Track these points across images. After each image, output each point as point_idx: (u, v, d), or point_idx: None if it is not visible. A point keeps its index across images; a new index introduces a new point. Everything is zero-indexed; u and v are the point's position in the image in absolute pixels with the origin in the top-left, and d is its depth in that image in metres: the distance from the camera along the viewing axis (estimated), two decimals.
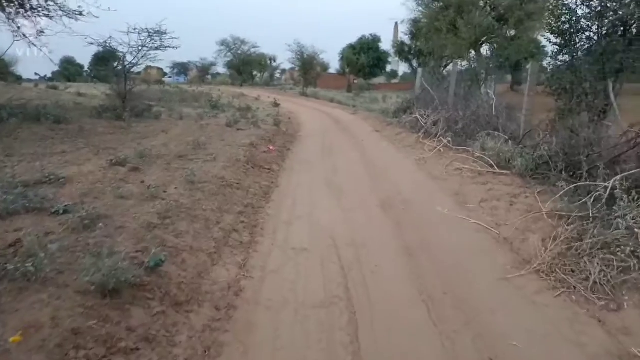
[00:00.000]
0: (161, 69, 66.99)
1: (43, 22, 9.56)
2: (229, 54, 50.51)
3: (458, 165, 7.14)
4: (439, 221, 4.93)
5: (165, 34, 11.22)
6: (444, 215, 5.11)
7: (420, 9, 27.83)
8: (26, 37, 9.48)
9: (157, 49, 11.35)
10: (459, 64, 11.67)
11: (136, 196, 4.58)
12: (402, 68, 53.73)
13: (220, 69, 56.87)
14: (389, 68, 54.81)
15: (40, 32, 9.47)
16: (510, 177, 6.15)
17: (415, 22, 34.47)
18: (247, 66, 50.44)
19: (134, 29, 10.66)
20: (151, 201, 4.49)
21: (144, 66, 12.92)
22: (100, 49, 10.40)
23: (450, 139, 8.76)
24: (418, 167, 7.54)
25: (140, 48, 11.07)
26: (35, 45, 9.74)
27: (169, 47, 11.40)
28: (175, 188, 5.05)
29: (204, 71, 57.54)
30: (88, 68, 66.14)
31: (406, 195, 5.90)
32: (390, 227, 4.79)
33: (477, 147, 7.74)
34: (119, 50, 10.84)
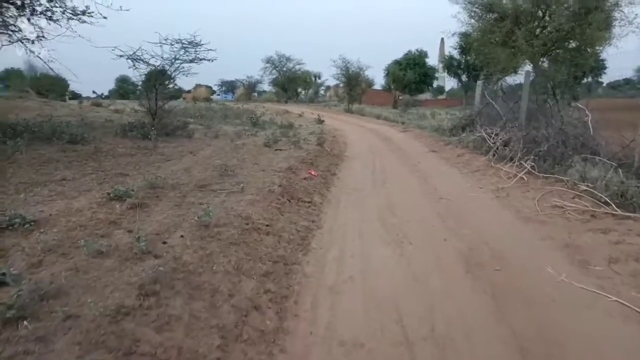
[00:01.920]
0: (210, 87, 68.23)
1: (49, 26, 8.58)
2: (274, 71, 50.18)
3: (555, 201, 5.40)
4: (557, 295, 3.24)
5: (200, 45, 10.10)
6: (562, 284, 3.42)
7: (473, 20, 25.88)
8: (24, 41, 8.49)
9: (191, 61, 10.25)
10: (530, 75, 9.84)
11: (121, 252, 3.20)
12: (450, 83, 51.53)
13: (266, 86, 56.73)
14: (435, 84, 52.72)
15: (41, 37, 8.46)
16: None
17: (465, 35, 32.63)
18: (291, 83, 49.85)
19: (165, 39, 9.59)
20: (139, 261, 3.09)
21: (176, 79, 11.68)
22: (130, 61, 9.34)
23: (533, 164, 7.00)
24: (499, 202, 5.84)
25: (173, 60, 9.99)
26: (32, 51, 8.72)
27: (204, 59, 10.28)
28: (181, 236, 3.64)
29: (251, 89, 57.53)
30: (140, 86, 68.30)
31: (495, 246, 4.23)
32: (485, 305, 3.14)
33: (573, 176, 5.99)
34: (150, 62, 9.78)
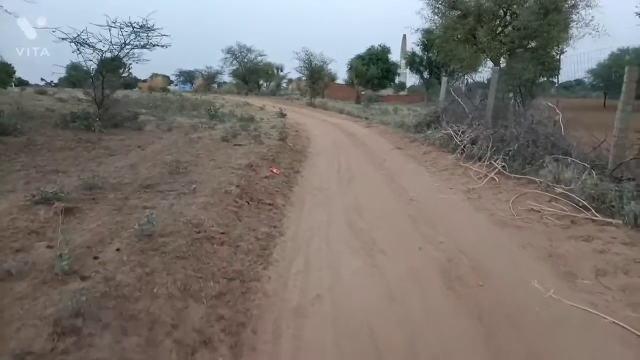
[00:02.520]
0: (167, 77, 65.92)
1: None
2: (235, 62, 48.91)
3: (531, 204, 5.13)
4: (549, 316, 2.89)
5: (152, 29, 9.31)
6: (551, 301, 3.08)
7: (436, 17, 25.87)
8: None
9: (143, 47, 9.42)
10: (497, 72, 9.67)
11: (38, 272, 2.60)
12: (412, 80, 51.94)
13: (227, 77, 55.28)
14: (397, 79, 53.00)
15: None
16: (623, 230, 4.13)
17: (427, 32, 32.74)
18: (253, 75, 48.75)
19: (114, 22, 8.74)
20: (61, 284, 2.51)
21: (129, 67, 10.80)
22: (74, 45, 8.44)
23: (503, 163, 6.77)
24: (472, 204, 5.52)
25: (122, 46, 9.15)
26: None
27: (157, 45, 9.48)
28: (118, 249, 3.05)
29: (210, 79, 55.92)
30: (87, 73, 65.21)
31: (474, 255, 3.87)
32: (473, 331, 2.73)
33: (546, 177, 5.77)
34: (97, 47, 8.90)
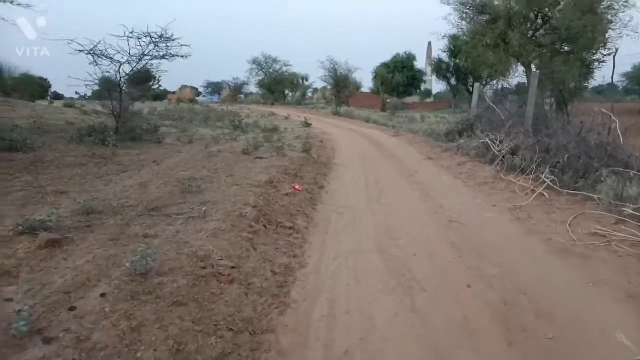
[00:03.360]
0: (196, 88, 66.74)
1: None
2: (261, 72, 48.90)
3: (595, 227, 4.34)
4: None
5: (172, 39, 8.89)
6: None
7: (464, 22, 24.94)
8: None
9: (162, 57, 9.02)
10: (537, 76, 8.82)
11: None
12: (438, 87, 50.79)
13: (253, 88, 55.40)
14: (422, 87, 51.95)
15: None
16: None
17: (454, 38, 31.81)
18: (278, 85, 48.63)
19: (131, 33, 8.35)
20: (16, 351, 1.94)
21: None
22: (90, 57, 8.09)
23: (553, 177, 5.97)
24: (522, 226, 4.75)
25: (141, 57, 8.76)
26: None
27: (177, 55, 9.05)
28: (102, 295, 2.49)
29: (237, 90, 56.18)
30: (125, 87, 66.64)
31: (536, 296, 3.13)
32: None
33: (607, 194, 4.95)
34: (115, 59, 8.53)
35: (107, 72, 8.43)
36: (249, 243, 3.69)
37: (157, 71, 9.12)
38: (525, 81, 21.68)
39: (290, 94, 52.99)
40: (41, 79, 43.01)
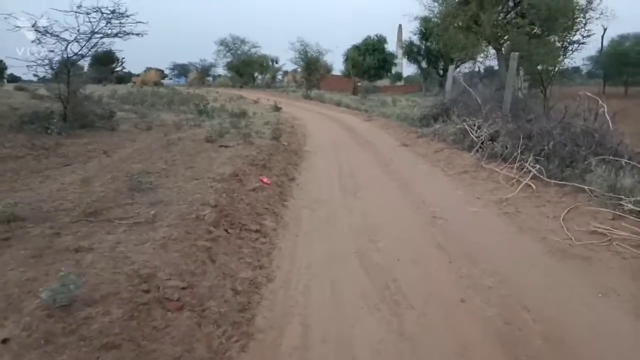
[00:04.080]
0: (161, 71, 64.37)
1: None
2: (229, 54, 47.30)
3: (592, 223, 3.95)
4: None
5: (125, 15, 8.02)
6: None
7: (436, 4, 24.45)
8: None
9: (115, 35, 8.14)
10: (515, 57, 8.39)
11: None
12: (409, 70, 50.56)
13: (221, 70, 53.69)
14: (393, 70, 51.58)
15: None
16: None
17: (426, 20, 31.38)
18: (247, 67, 47.17)
19: (78, 7, 7.44)
20: None
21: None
22: (33, 34, 7.17)
23: (538, 166, 5.59)
24: (512, 222, 4.31)
25: (91, 34, 7.86)
26: None
27: (131, 33, 8.19)
28: (4, 341, 1.88)
29: (204, 73, 54.37)
30: (87, 69, 63.63)
31: (539, 310, 2.68)
32: None
33: (600, 185, 4.59)
34: (62, 37, 7.61)
35: (51, 50, 7.50)
36: (205, 254, 3.10)
37: (113, 50, 8.11)
38: (496, 64, 21.55)
39: (260, 77, 51.65)
40: None
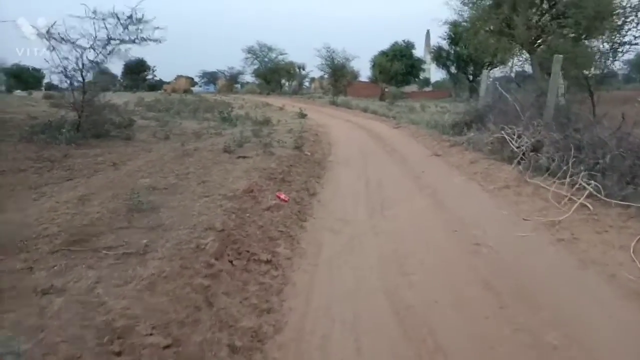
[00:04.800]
0: (191, 78, 65.27)
1: None
2: (256, 61, 47.30)
3: None
4: None
5: (144, 21, 7.67)
6: None
7: (466, 7, 23.50)
8: None
9: (132, 42, 7.79)
10: (560, 61, 7.57)
11: None
12: (437, 75, 49.45)
13: (249, 77, 53.83)
14: (421, 75, 50.50)
15: None
16: None
17: (454, 25, 30.43)
18: (274, 74, 47.03)
19: (93, 13, 7.11)
20: None
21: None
22: (46, 40, 6.87)
23: (594, 182, 4.83)
24: (570, 252, 3.58)
25: (107, 41, 7.53)
26: None
27: (149, 39, 7.83)
28: None
29: (232, 80, 54.66)
30: (120, 78, 65.26)
31: None
32: None
33: None
34: (78, 45, 7.30)
35: (65, 57, 7.18)
36: (202, 295, 2.55)
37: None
38: (529, 69, 20.46)
39: (287, 84, 51.46)
40: (34, 69, 41.55)
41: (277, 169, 5.90)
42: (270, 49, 46.94)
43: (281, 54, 47.67)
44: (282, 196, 4.82)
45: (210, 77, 59.26)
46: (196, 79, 64.05)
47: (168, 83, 59.27)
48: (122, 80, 64.18)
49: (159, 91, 47.19)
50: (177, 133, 8.95)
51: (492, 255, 3.60)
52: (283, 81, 50.26)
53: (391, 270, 3.36)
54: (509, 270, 3.31)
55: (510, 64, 24.63)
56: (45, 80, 45.92)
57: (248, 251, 3.28)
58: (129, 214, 3.62)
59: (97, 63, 7.45)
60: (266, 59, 46.87)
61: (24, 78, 39.96)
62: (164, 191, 4.38)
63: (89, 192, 4.25)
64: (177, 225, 3.38)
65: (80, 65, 7.30)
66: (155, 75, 61.40)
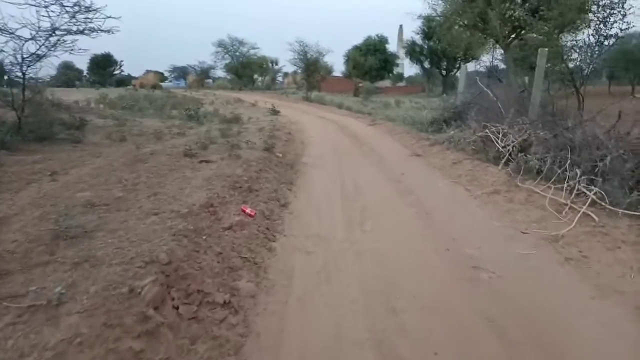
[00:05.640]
0: (161, 73, 63.41)
1: None
2: (227, 55, 46.03)
3: None
4: None
5: (93, 10, 6.80)
6: None
7: (441, 1, 23.09)
8: None
9: (81, 32, 6.90)
10: (545, 54, 7.12)
11: None
12: (411, 70, 49.35)
13: (221, 72, 52.50)
14: (394, 70, 50.33)
15: None
16: None
17: (428, 19, 30.16)
18: (246, 69, 45.94)
19: None
20: None
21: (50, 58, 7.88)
22: None
23: (596, 188, 4.36)
24: (582, 277, 3.05)
25: (52, 32, 6.63)
26: None
27: (99, 30, 6.95)
28: None
29: (203, 75, 53.20)
30: (86, 73, 62.71)
31: None
32: None
33: None
34: (18, 35, 6.39)
35: (1, 50, 6.27)
36: None
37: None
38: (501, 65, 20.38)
39: (260, 79, 50.42)
40: None
41: (244, 176, 5.21)
42: (241, 43, 45.82)
43: (253, 48, 46.65)
44: (248, 210, 4.15)
45: (181, 72, 57.66)
46: (166, 74, 62.29)
47: (137, 78, 57.37)
48: (88, 76, 61.77)
49: (128, 87, 45.48)
50: (136, 134, 8.11)
51: (494, 282, 3.04)
52: (255, 76, 49.23)
53: (377, 307, 2.76)
54: (518, 304, 2.75)
55: (484, 58, 24.51)
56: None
57: (200, 291, 2.61)
58: (53, 243, 2.89)
59: (38, 56, 6.53)
60: (237, 53, 45.68)
61: None
62: (104, 208, 3.65)
63: (12, 212, 3.48)
64: (110, 258, 2.68)
65: (20, 59, 6.39)
66: (122, 71, 59.31)
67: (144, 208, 3.74)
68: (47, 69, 7.22)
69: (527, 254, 3.50)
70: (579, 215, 4.02)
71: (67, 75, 55.35)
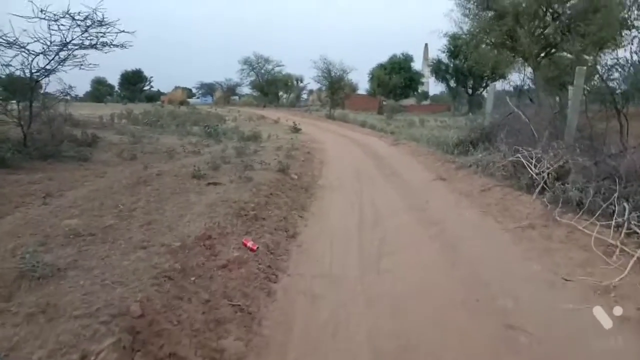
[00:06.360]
0: (189, 89, 64.57)
1: None
2: (252, 72, 46.41)
3: None
4: None
5: (106, 24, 6.60)
6: None
7: (467, 19, 22.53)
8: None
9: (93, 47, 6.69)
10: (583, 73, 6.52)
11: None
12: (436, 88, 48.72)
13: (246, 89, 53.01)
14: (419, 88, 49.74)
15: None
16: None
17: (454, 38, 29.61)
18: (271, 86, 46.18)
19: (42, 12, 6.01)
20: None
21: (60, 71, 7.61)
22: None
23: None
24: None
25: (63, 46, 6.43)
26: None
27: (112, 45, 6.74)
28: None
29: (230, 92, 53.80)
30: (117, 88, 64.38)
31: None
32: None
33: None
34: (27, 50, 6.20)
35: (6, 64, 6.09)
36: None
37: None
38: (525, 83, 19.54)
39: (285, 96, 50.61)
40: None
41: (251, 202, 4.77)
42: (267, 61, 46.16)
43: (278, 66, 46.90)
44: (250, 244, 3.69)
45: (208, 89, 58.48)
46: (194, 91, 63.34)
47: (165, 94, 58.48)
48: (119, 91, 63.38)
49: (156, 103, 46.28)
50: (149, 151, 7.83)
51: (535, 350, 2.47)
52: (281, 93, 49.44)
53: None
54: None
55: (512, 77, 23.81)
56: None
57: (173, 354, 2.14)
58: (14, 284, 2.49)
59: (47, 70, 6.33)
60: (262, 71, 46.01)
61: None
62: (88, 239, 3.25)
63: None
64: (73, 308, 2.24)
65: (28, 74, 6.19)
66: (152, 86, 60.62)
67: (133, 240, 3.33)
68: (54, 84, 7.02)
69: (573, 309, 2.91)
70: (633, 260, 3.40)
71: (99, 90, 56.98)
